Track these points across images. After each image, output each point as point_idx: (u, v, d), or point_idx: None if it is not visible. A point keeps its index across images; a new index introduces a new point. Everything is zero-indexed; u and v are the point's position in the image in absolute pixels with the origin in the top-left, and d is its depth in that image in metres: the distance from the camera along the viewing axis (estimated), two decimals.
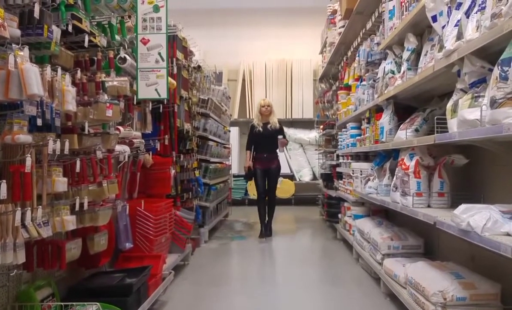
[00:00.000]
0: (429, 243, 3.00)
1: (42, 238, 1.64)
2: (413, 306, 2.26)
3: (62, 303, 1.98)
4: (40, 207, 1.63)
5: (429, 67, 2.16)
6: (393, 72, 2.94)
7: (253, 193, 6.96)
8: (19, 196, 1.57)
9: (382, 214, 3.88)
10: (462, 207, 1.72)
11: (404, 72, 2.66)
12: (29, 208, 1.57)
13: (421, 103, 2.86)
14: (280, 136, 5.01)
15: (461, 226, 1.67)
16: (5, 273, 1.69)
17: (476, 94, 1.58)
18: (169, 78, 3.03)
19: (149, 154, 3.22)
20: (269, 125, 5.10)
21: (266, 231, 5.00)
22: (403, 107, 3.03)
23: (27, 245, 1.58)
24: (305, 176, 8.30)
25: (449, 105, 1.88)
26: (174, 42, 3.80)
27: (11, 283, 1.81)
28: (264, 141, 5.05)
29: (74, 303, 1.96)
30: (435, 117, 2.16)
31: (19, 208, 1.52)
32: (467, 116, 1.60)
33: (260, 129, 5.09)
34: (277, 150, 5.06)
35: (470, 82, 1.68)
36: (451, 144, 2.32)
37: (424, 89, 2.63)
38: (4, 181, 1.48)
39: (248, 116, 8.42)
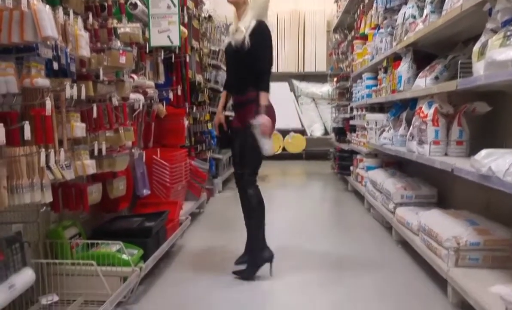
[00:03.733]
0: (443, 193, 3.01)
1: (65, 180, 1.68)
2: (425, 251, 2.31)
3: (88, 241, 2.08)
4: (62, 149, 1.66)
5: (456, 7, 2.05)
6: (414, 17, 2.81)
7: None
8: (42, 139, 1.60)
9: (395, 165, 3.88)
10: (483, 152, 1.69)
11: (427, 15, 2.54)
12: (52, 150, 1.60)
13: (442, 51, 2.75)
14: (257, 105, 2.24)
15: (482, 171, 1.66)
16: (35, 210, 1.77)
17: (509, 33, 1.49)
18: (181, 27, 2.95)
19: (163, 104, 3.21)
20: (235, 29, 2.36)
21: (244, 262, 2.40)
22: (423, 55, 2.92)
23: (53, 187, 1.62)
24: (317, 131, 8.25)
25: (476, 47, 1.80)
26: None
27: (41, 219, 1.89)
28: (230, 66, 2.54)
29: (99, 241, 2.05)
30: (459, 62, 2.07)
31: (43, 150, 1.55)
32: (496, 57, 1.52)
33: (224, 39, 2.30)
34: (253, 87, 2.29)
35: (503, 20, 1.58)
36: (473, 92, 2.25)
37: (447, 34, 2.51)
38: (27, 122, 1.50)
39: None
